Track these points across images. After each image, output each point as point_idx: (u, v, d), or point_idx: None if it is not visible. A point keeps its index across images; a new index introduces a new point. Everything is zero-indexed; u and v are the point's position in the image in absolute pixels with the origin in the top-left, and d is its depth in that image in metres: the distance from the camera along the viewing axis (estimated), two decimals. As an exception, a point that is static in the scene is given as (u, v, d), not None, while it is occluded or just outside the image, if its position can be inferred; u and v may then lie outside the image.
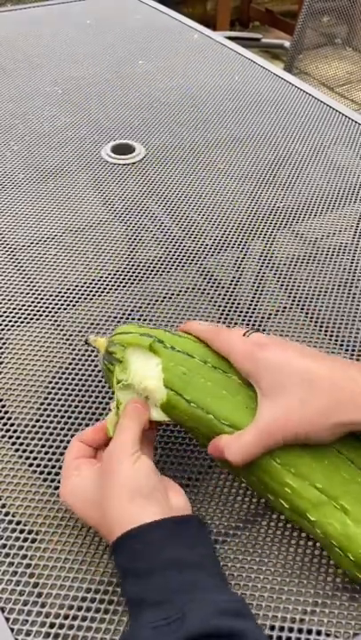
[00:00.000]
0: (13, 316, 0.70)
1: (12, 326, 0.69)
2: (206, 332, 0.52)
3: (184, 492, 0.49)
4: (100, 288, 0.74)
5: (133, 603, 0.43)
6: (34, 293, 0.73)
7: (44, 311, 0.71)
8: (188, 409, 0.49)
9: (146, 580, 0.42)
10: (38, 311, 0.71)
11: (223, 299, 0.74)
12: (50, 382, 0.63)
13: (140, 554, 0.43)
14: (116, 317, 0.71)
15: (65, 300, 0.72)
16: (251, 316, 0.71)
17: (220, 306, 0.73)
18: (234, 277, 0.77)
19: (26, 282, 0.75)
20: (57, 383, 0.63)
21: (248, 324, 0.70)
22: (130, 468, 0.46)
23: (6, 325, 0.69)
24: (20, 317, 0.70)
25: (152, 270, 0.77)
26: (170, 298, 0.73)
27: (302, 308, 0.73)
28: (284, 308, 0.73)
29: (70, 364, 0.65)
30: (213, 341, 0.52)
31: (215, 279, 0.77)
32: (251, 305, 0.73)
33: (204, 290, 0.75)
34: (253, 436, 0.46)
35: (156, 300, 0.73)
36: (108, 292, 0.74)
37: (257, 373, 0.47)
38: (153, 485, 0.46)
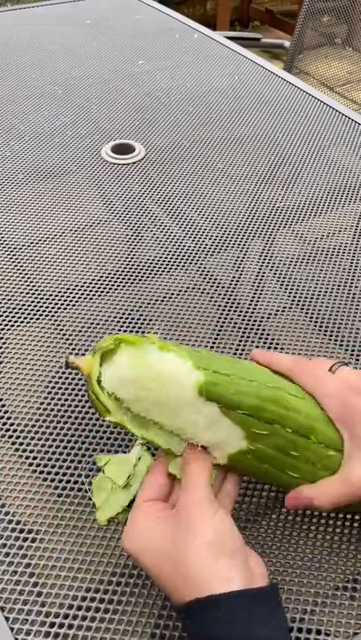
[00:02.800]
0: (13, 316, 0.70)
1: (12, 326, 0.69)
2: (284, 364, 0.49)
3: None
4: (100, 288, 0.74)
5: None
6: (34, 293, 0.73)
7: (43, 311, 0.71)
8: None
9: None
10: (38, 311, 0.71)
11: (223, 299, 0.74)
12: (50, 382, 0.63)
13: (220, 623, 0.39)
14: (115, 317, 0.71)
15: (65, 300, 0.72)
16: (251, 316, 0.71)
17: (220, 306, 0.73)
18: (234, 277, 0.77)
19: (26, 282, 0.75)
20: (57, 383, 0.63)
21: (248, 324, 0.70)
22: (211, 521, 0.42)
23: (6, 325, 0.69)
24: (20, 317, 0.70)
25: (152, 270, 0.77)
26: (170, 298, 0.73)
27: (302, 308, 0.73)
28: (284, 307, 0.73)
29: (70, 363, 0.65)
30: (294, 373, 0.48)
31: (215, 279, 0.77)
32: (251, 305, 0.73)
33: (204, 290, 0.75)
34: (344, 488, 0.44)
35: (156, 300, 0.73)
36: (108, 292, 0.74)
37: (350, 421, 0.45)
38: (238, 546, 0.42)
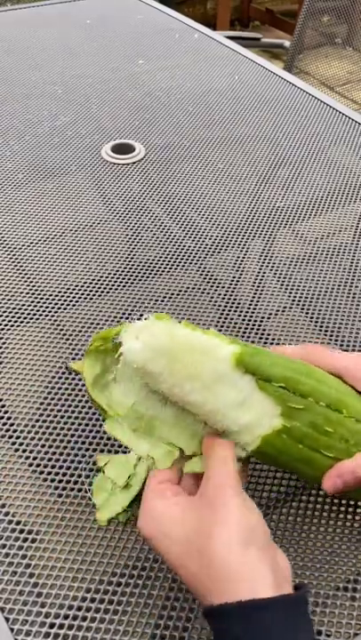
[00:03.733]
0: (13, 316, 0.70)
1: (12, 326, 0.69)
2: (296, 351, 0.48)
3: None
4: (100, 288, 0.74)
5: None
6: (34, 293, 0.73)
7: (43, 311, 0.71)
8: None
9: None
10: (38, 311, 0.71)
11: (223, 299, 0.74)
12: (50, 382, 0.63)
13: (273, 631, 0.36)
14: (115, 317, 0.71)
15: (65, 300, 0.72)
16: (251, 316, 0.71)
17: (220, 306, 0.73)
18: (234, 277, 0.77)
19: (26, 282, 0.75)
20: (57, 383, 0.63)
21: (248, 324, 0.70)
22: (241, 511, 0.39)
23: (6, 325, 0.69)
24: (20, 317, 0.70)
25: (152, 270, 0.77)
26: (170, 298, 0.73)
27: (302, 308, 0.73)
28: (284, 307, 0.73)
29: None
30: (308, 354, 0.47)
31: (215, 279, 0.76)
32: (251, 305, 0.73)
33: (204, 290, 0.75)
34: None
35: (156, 300, 0.73)
36: (108, 292, 0.74)
37: None
38: (268, 536, 0.40)
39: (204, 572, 0.38)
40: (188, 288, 0.75)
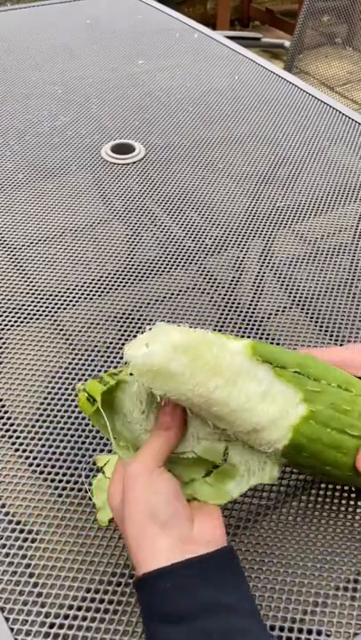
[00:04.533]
0: (13, 316, 0.70)
1: (12, 326, 0.69)
2: (298, 353, 0.48)
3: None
4: (100, 288, 0.74)
5: None
6: (34, 293, 0.73)
7: (43, 311, 0.71)
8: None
9: (180, 627, 0.39)
10: (38, 311, 0.71)
11: (223, 299, 0.74)
12: (50, 382, 0.63)
13: (170, 597, 0.40)
14: (115, 317, 0.70)
15: (65, 300, 0.72)
16: (251, 316, 0.71)
17: (220, 306, 0.73)
18: (234, 277, 0.77)
19: (26, 282, 0.75)
20: (57, 383, 0.63)
21: (248, 324, 0.70)
22: (147, 489, 0.42)
23: (6, 325, 0.69)
24: (20, 317, 0.70)
25: (152, 270, 0.77)
26: (170, 298, 0.73)
27: (302, 308, 0.73)
28: (285, 308, 0.73)
29: (70, 363, 0.65)
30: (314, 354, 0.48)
31: (215, 279, 0.76)
32: (251, 305, 0.73)
33: (204, 290, 0.75)
34: None
35: (156, 300, 0.73)
36: (108, 292, 0.74)
37: None
38: (172, 511, 0.42)
39: (127, 543, 0.43)
40: (188, 288, 0.75)
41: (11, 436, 0.58)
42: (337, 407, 0.45)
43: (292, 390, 0.43)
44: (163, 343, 0.40)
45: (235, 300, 0.73)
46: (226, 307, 0.72)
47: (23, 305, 0.72)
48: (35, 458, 0.56)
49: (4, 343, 0.67)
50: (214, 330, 0.69)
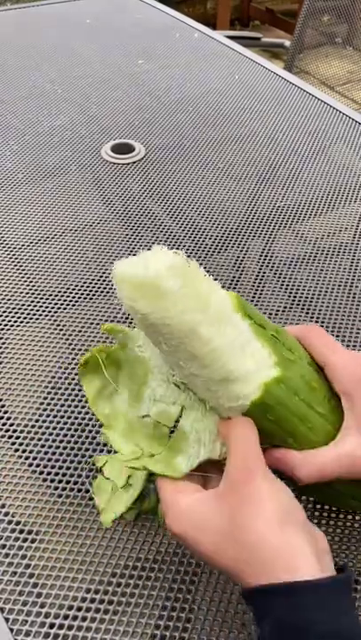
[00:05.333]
0: (13, 316, 0.70)
1: (12, 326, 0.69)
2: (294, 329, 0.47)
3: None
4: (99, 288, 0.74)
5: None
6: (34, 293, 0.73)
7: (43, 311, 0.71)
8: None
9: None
10: (38, 311, 0.71)
11: (223, 299, 0.74)
12: (50, 382, 0.63)
13: (295, 613, 0.36)
14: (115, 317, 0.71)
15: (65, 300, 0.72)
16: (251, 316, 0.71)
17: (220, 306, 0.72)
18: (234, 277, 0.77)
19: (26, 282, 0.75)
20: (57, 383, 0.63)
21: (248, 324, 0.70)
22: (271, 486, 0.38)
23: (6, 325, 0.69)
24: (20, 317, 0.70)
25: (152, 270, 0.77)
26: (170, 298, 0.73)
27: (302, 308, 0.73)
28: (285, 308, 0.73)
29: (70, 363, 0.65)
30: (303, 334, 0.46)
31: (215, 279, 0.76)
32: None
33: (204, 290, 0.75)
34: (333, 461, 0.42)
35: (156, 300, 0.73)
36: (107, 292, 0.74)
37: (358, 398, 0.43)
38: (302, 514, 0.39)
39: (243, 557, 0.37)
40: (188, 288, 0.75)
41: (10, 436, 0.58)
42: (307, 382, 0.44)
43: (268, 351, 0.43)
44: (160, 261, 0.39)
45: (235, 299, 0.73)
46: (226, 307, 0.72)
47: (23, 305, 0.72)
48: (35, 458, 0.56)
49: (3, 343, 0.67)
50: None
